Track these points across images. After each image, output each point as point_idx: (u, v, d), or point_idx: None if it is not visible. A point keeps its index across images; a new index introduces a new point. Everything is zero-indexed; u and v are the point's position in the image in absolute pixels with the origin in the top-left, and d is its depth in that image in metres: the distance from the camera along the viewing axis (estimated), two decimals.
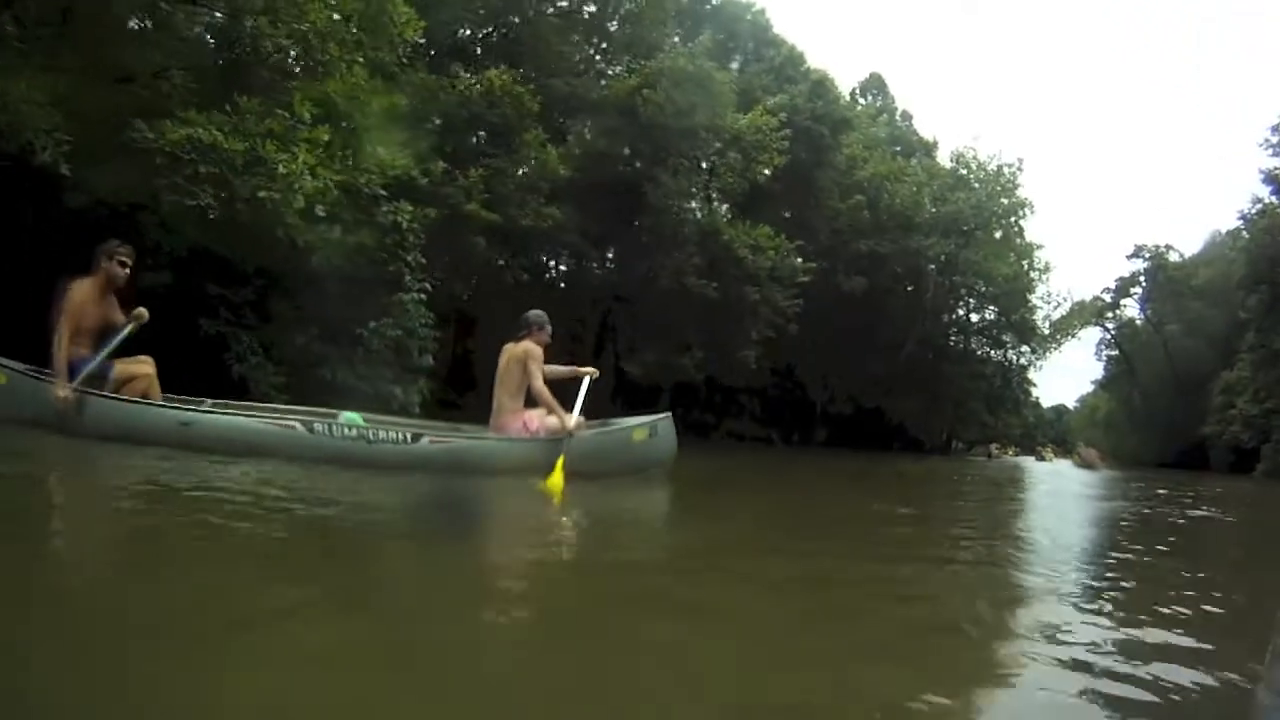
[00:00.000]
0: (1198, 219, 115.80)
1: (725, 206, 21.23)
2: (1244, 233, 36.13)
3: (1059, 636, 1.97)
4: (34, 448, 4.47)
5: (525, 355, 5.42)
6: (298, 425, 4.91)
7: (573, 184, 17.27)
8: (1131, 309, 48.12)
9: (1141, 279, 46.50)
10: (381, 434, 4.98)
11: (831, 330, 28.30)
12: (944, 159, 32.72)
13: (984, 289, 33.30)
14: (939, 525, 5.07)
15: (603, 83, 17.95)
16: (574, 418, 5.33)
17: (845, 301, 27.16)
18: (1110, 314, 48.11)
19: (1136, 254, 46.29)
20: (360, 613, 1.85)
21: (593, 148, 17.52)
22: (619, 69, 18.95)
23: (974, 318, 38.09)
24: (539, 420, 5.41)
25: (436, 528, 3.55)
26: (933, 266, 30.31)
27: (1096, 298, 47.17)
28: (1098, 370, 53.66)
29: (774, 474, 10.41)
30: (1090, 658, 1.78)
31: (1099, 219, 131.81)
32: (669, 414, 5.83)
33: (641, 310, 18.30)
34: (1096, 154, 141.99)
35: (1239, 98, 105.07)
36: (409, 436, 5.05)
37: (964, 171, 30.40)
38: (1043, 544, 4.14)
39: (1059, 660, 1.76)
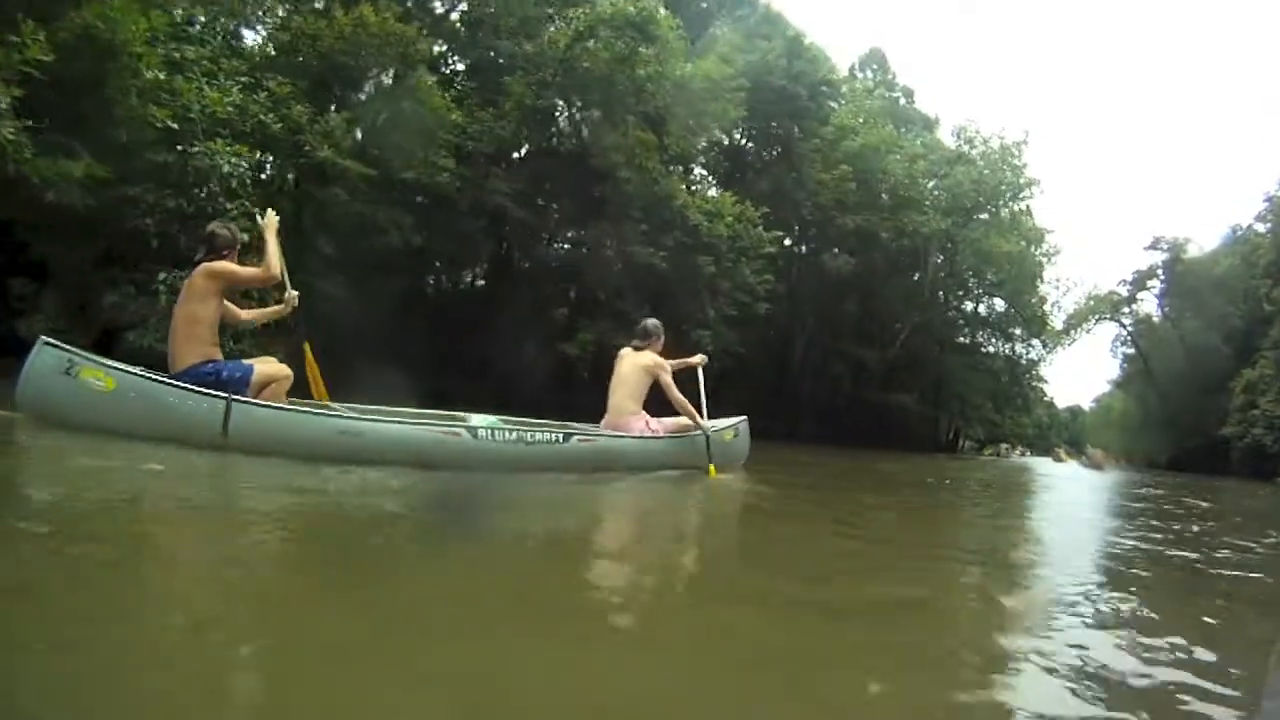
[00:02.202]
0: (1218, 215, 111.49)
1: (685, 171, 19.39)
2: (1268, 216, 33.88)
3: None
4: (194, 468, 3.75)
5: (656, 367, 5.84)
6: (463, 431, 4.82)
7: (507, 145, 15.75)
8: (1149, 304, 45.89)
9: (1159, 272, 44.20)
10: (538, 435, 5.08)
11: (819, 314, 26.38)
12: (946, 138, 30.72)
13: (990, 276, 31.13)
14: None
15: (541, 37, 16.13)
16: (705, 420, 5.95)
17: (834, 283, 25.28)
18: (1126, 309, 45.82)
19: (1154, 246, 44.08)
20: None
21: (530, 106, 15.79)
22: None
23: (981, 310, 36.15)
24: (658, 421, 5.86)
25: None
26: (939, 257, 28.25)
27: (1112, 291, 44.90)
28: (1114, 371, 51.80)
29: None
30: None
31: (1117, 211, 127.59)
32: (745, 417, 6.49)
33: (582, 283, 16.50)
34: (1115, 143, 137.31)
35: (1265, 84, 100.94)
36: (561, 437, 5.15)
37: (966, 148, 28.38)
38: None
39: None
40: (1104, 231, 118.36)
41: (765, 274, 18.38)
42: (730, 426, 6.25)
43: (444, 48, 18.33)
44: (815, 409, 27.05)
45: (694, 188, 18.30)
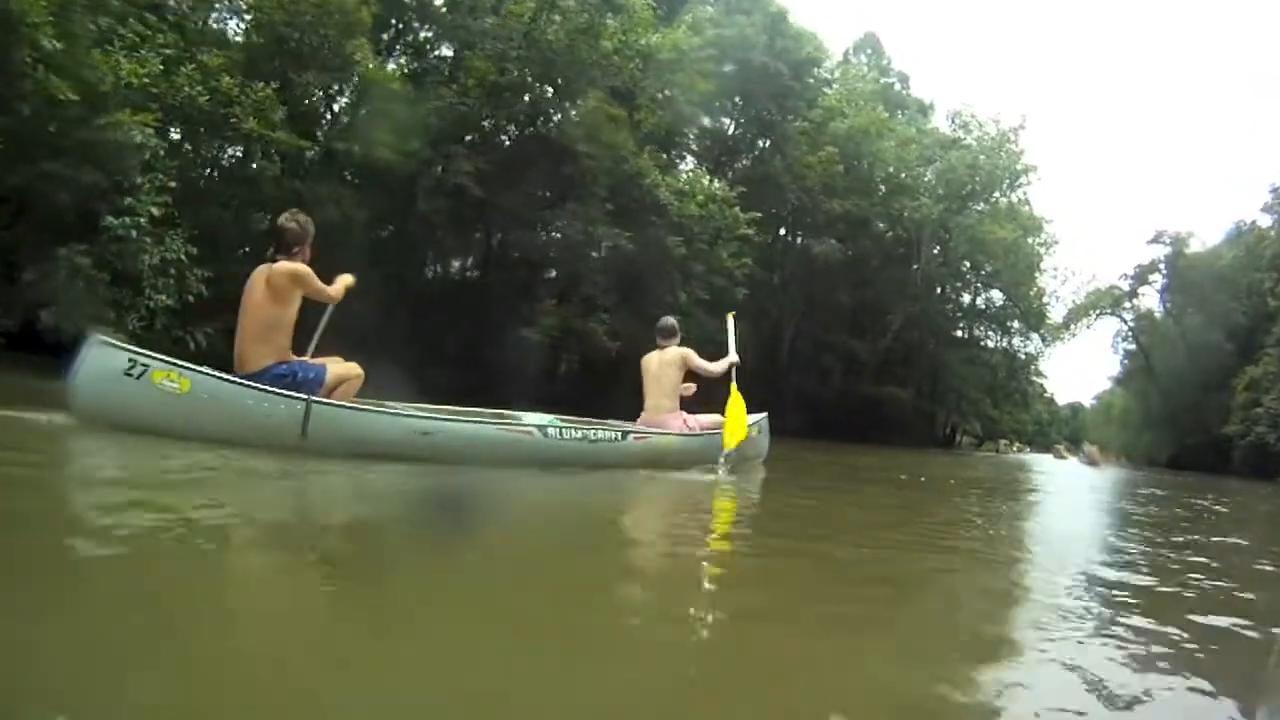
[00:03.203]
0: (1223, 210, 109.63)
1: (667, 154, 18.49)
2: (1275, 207, 33.12)
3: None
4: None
5: (684, 358, 6.05)
6: (534, 431, 4.99)
7: (467, 121, 14.96)
8: (1150, 299, 44.97)
9: (1161, 266, 43.26)
10: (600, 435, 5.30)
11: (809, 303, 25.54)
12: (942, 124, 29.80)
13: (986, 266, 30.18)
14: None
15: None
16: (732, 356, 6.27)
17: (824, 271, 24.43)
18: (1128, 304, 44.83)
19: (1157, 239, 43.16)
20: None
21: (494, 83, 14.99)
22: None
23: (979, 303, 35.30)
24: (694, 418, 6.07)
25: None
26: (936, 248, 27.27)
27: (1113, 286, 43.89)
28: (1115, 367, 51.13)
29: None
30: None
31: (1117, 202, 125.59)
32: (766, 415, 6.74)
33: (549, 267, 15.68)
34: (1117, 133, 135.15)
35: (1270, 75, 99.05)
36: (619, 435, 5.41)
37: (961, 133, 27.53)
38: None
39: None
40: (1104, 223, 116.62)
41: (743, 257, 17.52)
42: (754, 424, 6.42)
43: (430, 33, 17.52)
44: (804, 401, 26.15)
45: (687, 174, 17.31)
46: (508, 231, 17.53)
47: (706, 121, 22.31)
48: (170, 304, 9.20)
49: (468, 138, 15.73)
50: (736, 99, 21.16)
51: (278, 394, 3.99)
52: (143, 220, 8.89)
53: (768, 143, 22.74)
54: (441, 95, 15.11)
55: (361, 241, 15.50)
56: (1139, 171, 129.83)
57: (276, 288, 4.09)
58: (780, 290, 25.02)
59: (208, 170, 13.03)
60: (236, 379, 4.01)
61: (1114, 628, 2.15)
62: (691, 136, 22.46)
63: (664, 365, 6.05)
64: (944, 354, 32.57)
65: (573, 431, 5.13)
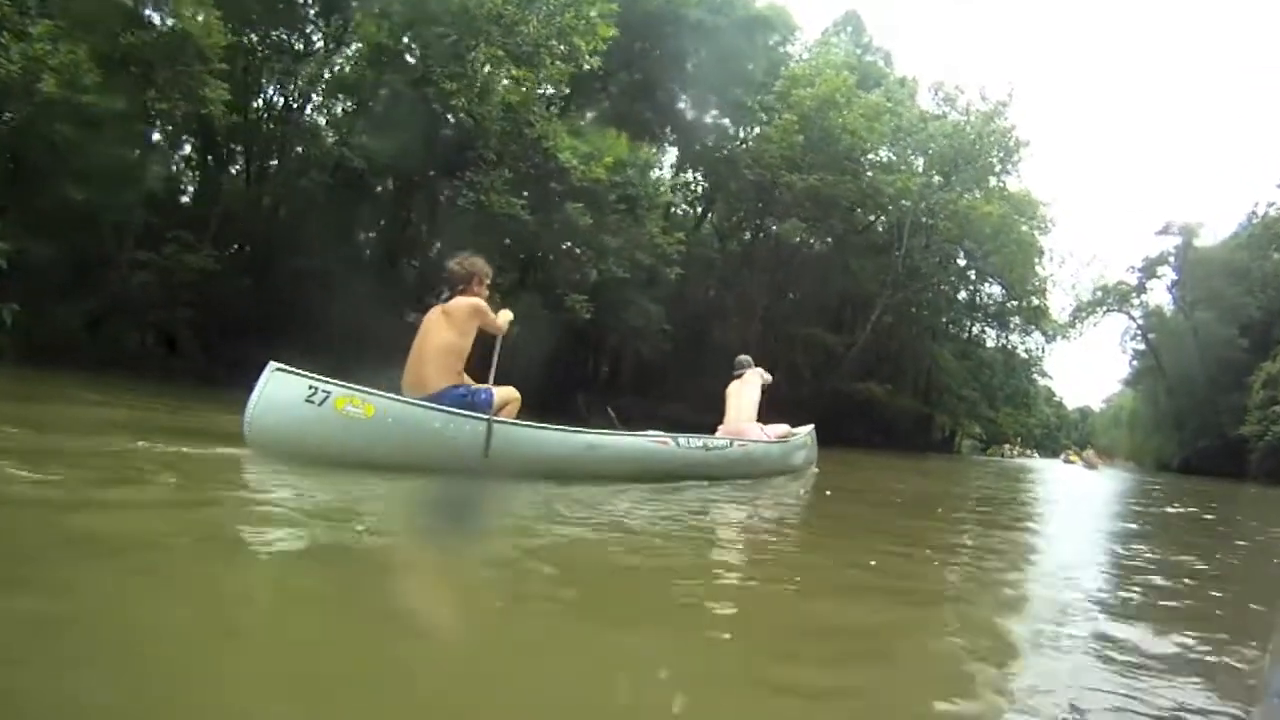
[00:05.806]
0: (1234, 202, 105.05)
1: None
2: None
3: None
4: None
5: (758, 379, 7.18)
6: (670, 442, 5.34)
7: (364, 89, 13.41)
8: (1160, 294, 42.57)
9: (1171, 259, 40.79)
10: (714, 444, 5.89)
11: (777, 291, 23.37)
12: (925, 101, 27.50)
13: (977, 254, 27.66)
14: None
15: None
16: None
17: (792, 256, 22.25)
18: (1136, 300, 42.32)
19: (1165, 231, 40.80)
20: None
21: (383, 46, 13.23)
22: None
23: (978, 298, 32.88)
24: (770, 429, 6.90)
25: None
26: (925, 240, 24.84)
27: (1121, 282, 41.34)
28: (1124, 369, 48.93)
29: None
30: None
31: (1126, 194, 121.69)
32: (813, 425, 7.84)
33: (439, 241, 13.64)
34: (1129, 125, 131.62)
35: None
36: (729, 443, 6.02)
37: (946, 108, 25.39)
38: None
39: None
40: (1108, 212, 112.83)
41: (676, 231, 15.35)
42: (808, 434, 7.50)
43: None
44: (774, 402, 23.84)
45: (588, 126, 15.25)
46: (424, 210, 15.64)
47: (673, 103, 20.34)
48: None
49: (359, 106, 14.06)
50: (687, 72, 19.04)
51: (463, 415, 4.01)
52: None
53: (724, 117, 20.66)
54: (332, 62, 13.54)
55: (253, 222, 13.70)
56: (1146, 160, 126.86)
57: (455, 319, 4.23)
58: (745, 277, 22.93)
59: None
60: (420, 403, 4.00)
61: None
62: (668, 129, 20.49)
63: (744, 385, 7.03)
64: (935, 350, 30.34)
65: (695, 441, 5.61)
